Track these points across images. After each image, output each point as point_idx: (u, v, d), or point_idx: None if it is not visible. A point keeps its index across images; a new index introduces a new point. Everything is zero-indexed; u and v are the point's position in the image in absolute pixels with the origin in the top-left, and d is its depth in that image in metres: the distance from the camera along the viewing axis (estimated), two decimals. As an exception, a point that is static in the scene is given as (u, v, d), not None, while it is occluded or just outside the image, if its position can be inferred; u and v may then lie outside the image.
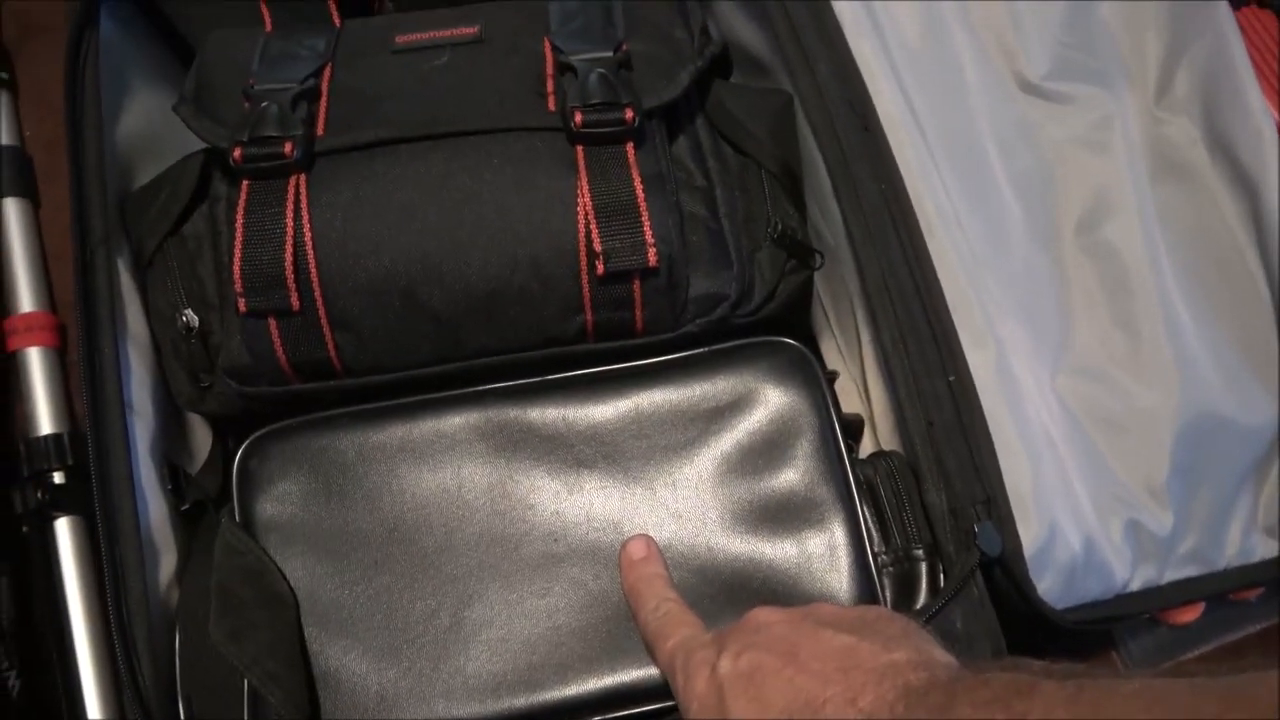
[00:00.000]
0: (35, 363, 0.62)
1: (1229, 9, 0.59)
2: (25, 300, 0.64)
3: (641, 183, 0.46)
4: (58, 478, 0.59)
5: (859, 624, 0.37)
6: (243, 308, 0.46)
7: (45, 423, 0.61)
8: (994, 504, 0.45)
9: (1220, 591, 0.52)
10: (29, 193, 0.68)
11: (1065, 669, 0.31)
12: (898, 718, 0.32)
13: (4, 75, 0.71)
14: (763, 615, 0.39)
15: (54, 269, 0.67)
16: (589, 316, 0.47)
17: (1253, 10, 0.64)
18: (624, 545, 0.45)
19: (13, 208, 0.66)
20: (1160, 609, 0.52)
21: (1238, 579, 0.52)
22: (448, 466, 0.47)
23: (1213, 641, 0.59)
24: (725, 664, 0.36)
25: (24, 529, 0.59)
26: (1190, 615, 0.57)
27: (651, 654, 0.42)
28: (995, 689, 0.30)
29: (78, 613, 0.57)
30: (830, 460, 0.46)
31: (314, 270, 0.45)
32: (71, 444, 0.61)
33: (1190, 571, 0.52)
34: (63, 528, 0.58)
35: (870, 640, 0.35)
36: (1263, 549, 0.53)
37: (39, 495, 0.58)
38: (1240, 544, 0.53)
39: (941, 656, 0.35)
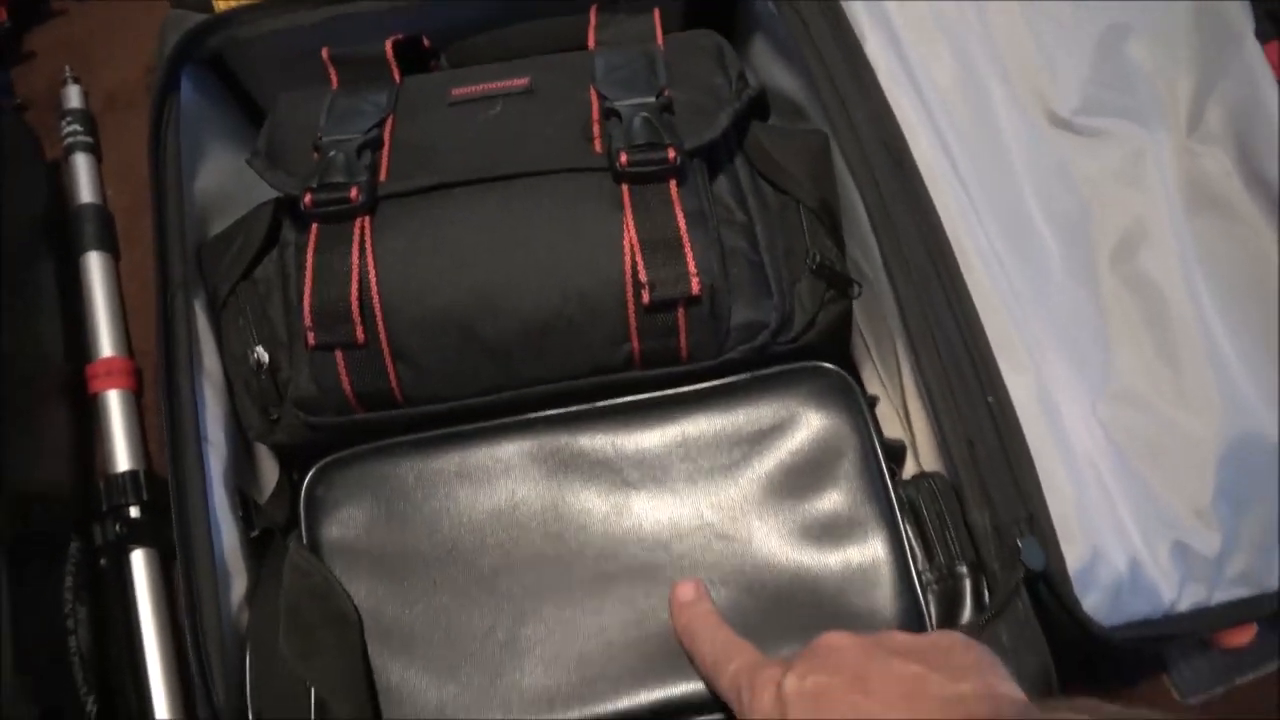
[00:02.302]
0: (114, 404, 0.66)
1: (1257, 44, 0.60)
2: (106, 346, 0.68)
3: (684, 217, 0.48)
4: (134, 512, 0.63)
5: (930, 652, 0.37)
6: (311, 341, 0.48)
7: (123, 460, 0.65)
8: (1036, 522, 0.45)
9: (1272, 613, 0.52)
10: (110, 247, 0.73)
11: (1136, 713, 0.31)
12: None
13: (89, 139, 0.76)
14: (834, 639, 0.39)
15: (131, 320, 0.71)
16: (636, 344, 0.49)
17: (1280, 44, 0.65)
18: (673, 588, 0.46)
19: (96, 260, 0.71)
20: (1211, 630, 0.51)
21: (1290, 600, 0.52)
22: (503, 490, 0.49)
23: (1265, 666, 0.58)
24: (791, 682, 0.37)
25: (101, 562, 0.62)
26: (1242, 639, 0.56)
27: (712, 682, 0.43)
28: None
29: (151, 639, 0.60)
30: (872, 480, 0.48)
31: (378, 306, 0.48)
32: (147, 481, 0.64)
33: (1240, 593, 0.52)
34: (138, 559, 0.62)
35: (939, 670, 0.36)
36: (1314, 571, 0.53)
37: (116, 528, 0.61)
38: (1291, 565, 0.52)
39: (1010, 691, 0.36)
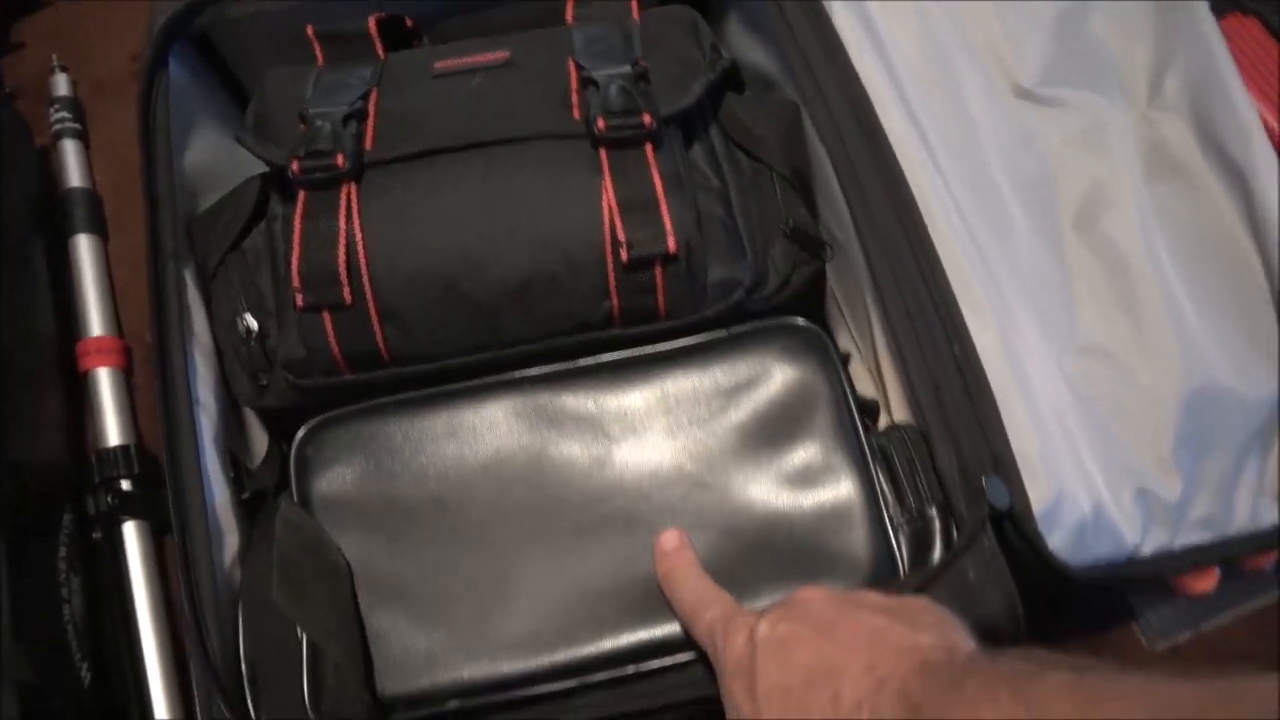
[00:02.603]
0: (105, 381, 0.68)
1: (1212, 18, 0.63)
2: (96, 325, 0.69)
3: (660, 180, 0.50)
4: (125, 485, 0.64)
5: (897, 610, 0.39)
6: (300, 303, 0.50)
7: (114, 435, 0.66)
8: (1001, 462, 0.47)
9: (1232, 556, 0.54)
10: (99, 229, 0.74)
11: (1079, 661, 0.32)
12: (908, 687, 0.34)
13: (77, 125, 0.77)
14: (808, 593, 0.41)
15: (121, 303, 0.73)
16: (615, 302, 0.51)
17: (1236, 17, 0.67)
18: (657, 538, 0.48)
19: (85, 243, 0.72)
20: (1174, 573, 0.53)
21: (1248, 544, 0.54)
22: (488, 446, 0.50)
23: (1231, 612, 0.60)
24: (763, 629, 0.39)
25: (94, 534, 0.63)
26: (1206, 584, 0.58)
27: (690, 627, 0.45)
28: (1005, 671, 0.32)
29: (144, 607, 0.61)
30: (845, 429, 0.49)
31: (364, 267, 0.50)
32: (138, 454, 0.65)
33: (1202, 537, 0.53)
34: (130, 531, 0.63)
35: (902, 624, 0.37)
36: (1272, 516, 0.54)
37: (109, 500, 0.63)
38: (1250, 510, 0.54)
39: (965, 644, 0.37)
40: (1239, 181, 0.59)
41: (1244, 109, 0.60)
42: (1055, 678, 0.31)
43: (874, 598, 0.41)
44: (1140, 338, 0.56)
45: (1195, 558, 0.53)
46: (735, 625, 0.40)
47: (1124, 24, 0.64)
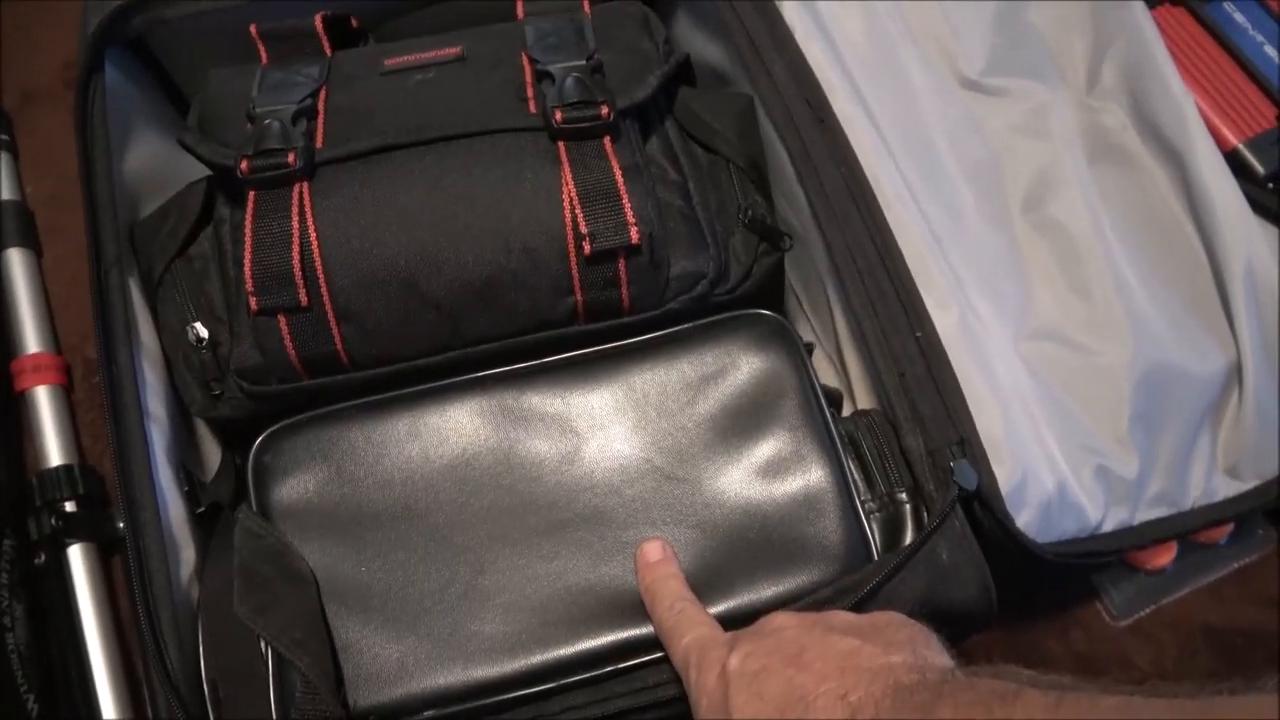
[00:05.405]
0: (43, 400, 0.65)
1: (1145, 7, 0.64)
2: (31, 342, 0.67)
3: (620, 171, 0.49)
4: (69, 506, 0.61)
5: (867, 629, 0.39)
6: (254, 306, 0.48)
7: (55, 455, 0.64)
8: (968, 444, 0.48)
9: (1189, 530, 0.55)
10: (32, 243, 0.71)
11: (1052, 680, 0.32)
12: (883, 713, 0.33)
13: (4, 137, 0.74)
14: (778, 620, 0.40)
15: (59, 316, 0.70)
16: (579, 297, 0.50)
17: (1167, 9, 0.70)
18: (640, 547, 0.47)
19: (16, 257, 0.70)
20: (1135, 548, 0.54)
21: (1204, 518, 0.55)
22: (454, 447, 0.49)
23: (1189, 586, 0.61)
24: (735, 663, 0.38)
25: (37, 559, 0.61)
26: (1165, 559, 0.60)
27: (666, 647, 0.44)
28: (980, 692, 0.32)
29: (93, 632, 0.59)
30: (812, 417, 0.49)
31: (319, 267, 0.48)
32: (81, 475, 0.63)
33: (1160, 512, 0.55)
34: (75, 554, 0.61)
35: (873, 643, 0.37)
36: (1225, 489, 0.56)
37: (52, 522, 0.60)
38: (1204, 485, 0.56)
39: (938, 660, 0.37)
40: (1176, 163, 0.61)
41: (1179, 94, 0.61)
42: (1032, 699, 0.30)
43: (844, 617, 0.40)
44: (1092, 317, 0.57)
45: (1154, 532, 0.54)
46: (709, 659, 0.40)
47: (1061, 15, 0.65)
